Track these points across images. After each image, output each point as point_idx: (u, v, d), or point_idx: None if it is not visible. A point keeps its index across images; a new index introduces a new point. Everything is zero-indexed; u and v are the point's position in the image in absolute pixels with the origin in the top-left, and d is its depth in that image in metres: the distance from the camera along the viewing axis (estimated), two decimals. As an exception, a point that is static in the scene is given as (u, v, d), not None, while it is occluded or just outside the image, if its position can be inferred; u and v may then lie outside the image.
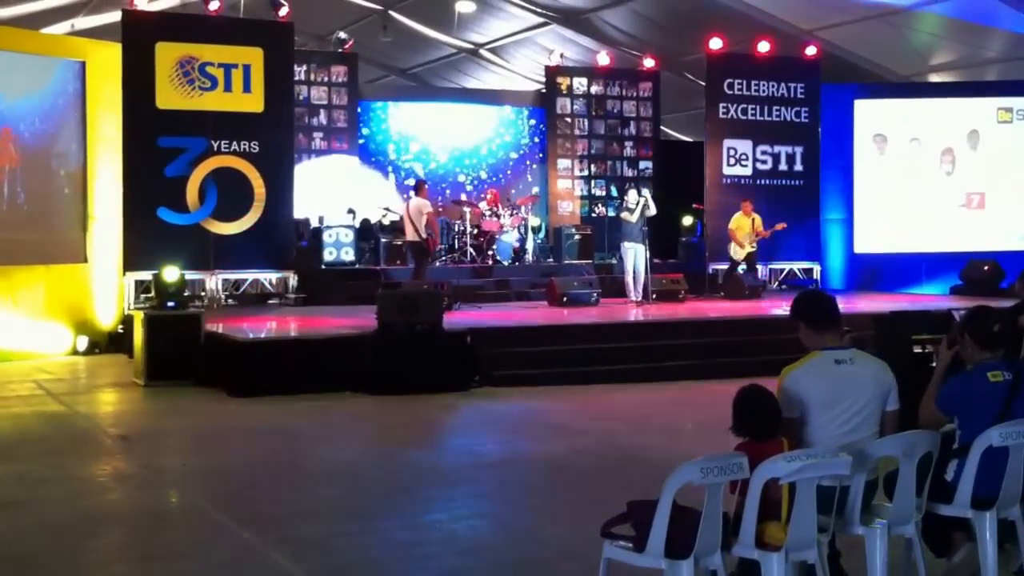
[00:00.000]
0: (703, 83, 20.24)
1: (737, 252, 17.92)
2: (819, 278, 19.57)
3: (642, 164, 21.56)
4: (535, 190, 20.45)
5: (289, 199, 16.79)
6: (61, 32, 20.42)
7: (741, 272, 18.32)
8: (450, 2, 22.11)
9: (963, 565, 5.12)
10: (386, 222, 18.96)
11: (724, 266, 18.79)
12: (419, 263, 16.44)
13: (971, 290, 17.82)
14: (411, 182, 18.26)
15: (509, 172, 21.29)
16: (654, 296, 16.49)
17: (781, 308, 16.03)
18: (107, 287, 15.88)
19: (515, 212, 19.34)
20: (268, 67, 16.46)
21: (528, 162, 21.42)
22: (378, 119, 20.58)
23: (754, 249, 17.90)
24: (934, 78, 21.08)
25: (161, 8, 19.21)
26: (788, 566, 4.33)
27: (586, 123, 21.27)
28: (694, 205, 20.17)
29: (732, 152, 19.28)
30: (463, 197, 20.21)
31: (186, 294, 14.72)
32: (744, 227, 17.83)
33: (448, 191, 20.66)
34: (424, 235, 16.11)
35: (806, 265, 19.69)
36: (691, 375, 12.48)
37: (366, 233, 18.78)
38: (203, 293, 16.30)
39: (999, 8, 17.52)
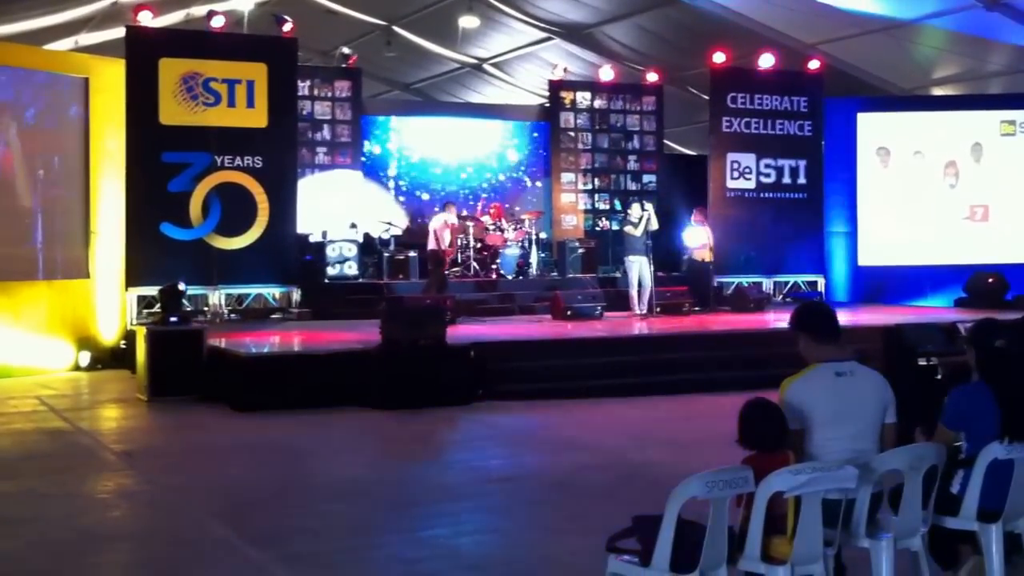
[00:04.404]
0: (706, 97, 20.26)
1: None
2: (823, 291, 19.54)
3: (646, 178, 21.54)
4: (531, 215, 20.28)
5: (292, 214, 16.79)
6: (65, 48, 20.46)
7: (747, 285, 18.40)
8: (454, 17, 22.16)
9: (970, 579, 5.10)
10: (386, 236, 18.98)
11: (730, 279, 18.86)
12: (434, 271, 17.03)
13: (976, 302, 17.79)
14: (425, 195, 19.41)
15: (509, 187, 21.25)
16: (658, 309, 16.50)
17: (786, 321, 16.02)
18: (110, 302, 15.87)
19: (519, 226, 19.33)
20: (272, 82, 16.48)
21: (531, 177, 21.40)
22: (382, 134, 20.58)
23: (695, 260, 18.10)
24: (937, 91, 21.09)
25: (165, 24, 19.24)
26: (794, 580, 4.31)
27: (590, 137, 21.26)
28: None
29: (736, 166, 19.27)
30: (466, 211, 20.21)
31: (189, 309, 14.79)
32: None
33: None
34: (443, 246, 17.04)
35: (810, 278, 19.66)
36: (696, 388, 12.45)
37: (369, 247, 18.79)
38: (206, 308, 16.28)
39: (1002, 21, 17.52)
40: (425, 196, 20.57)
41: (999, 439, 4.83)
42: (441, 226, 17.10)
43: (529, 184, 21.40)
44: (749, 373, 11.85)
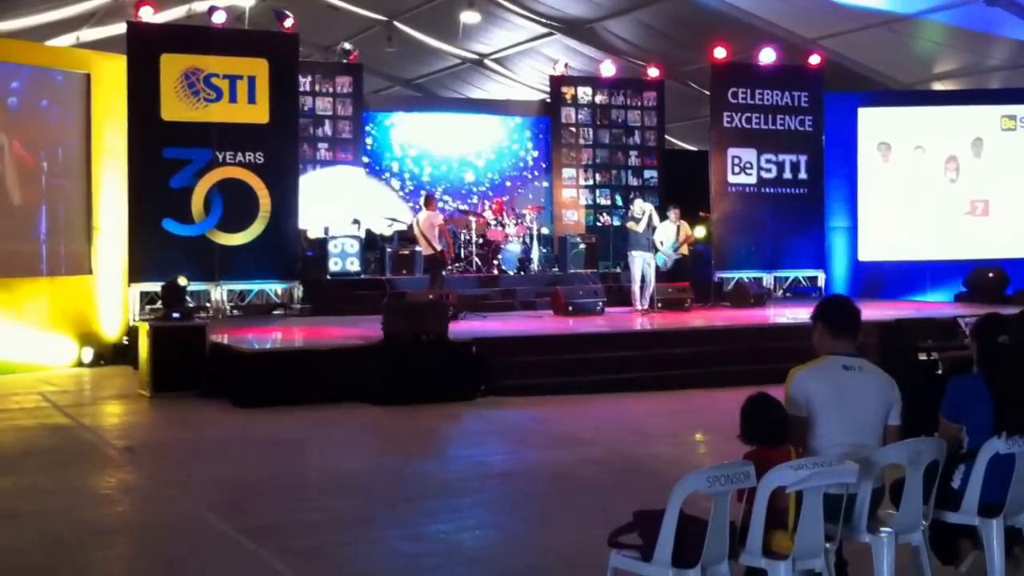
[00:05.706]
0: (707, 92, 20.25)
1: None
2: (823, 286, 19.55)
3: (647, 173, 21.55)
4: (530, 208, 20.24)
5: (294, 210, 16.80)
6: (66, 44, 20.46)
7: (747, 280, 18.40)
8: (455, 13, 22.14)
9: (971, 573, 5.10)
10: (389, 232, 18.97)
11: (730, 275, 18.87)
12: (435, 275, 16.64)
13: (976, 297, 17.78)
14: (422, 193, 18.52)
15: (510, 183, 21.25)
16: (659, 305, 16.50)
17: (786, 316, 16.04)
18: (112, 298, 15.88)
19: (520, 221, 19.34)
20: (273, 78, 16.48)
21: (533, 172, 21.41)
22: (383, 129, 20.59)
23: (677, 256, 18.04)
24: (938, 86, 21.08)
25: (166, 20, 19.23)
26: (795, 575, 4.32)
27: (591, 133, 21.27)
28: (700, 214, 20.18)
29: (736, 161, 19.26)
30: (468, 207, 20.23)
31: (191, 305, 14.81)
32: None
33: (453, 201, 20.67)
34: (439, 247, 16.49)
35: (810, 273, 19.67)
36: (697, 383, 12.47)
37: (372, 243, 18.78)
38: (208, 304, 16.31)
39: (1002, 16, 17.51)
40: (426, 180, 20.59)
41: (995, 433, 4.85)
42: (429, 228, 16.47)
43: (530, 180, 21.41)
44: (750, 368, 11.89)
